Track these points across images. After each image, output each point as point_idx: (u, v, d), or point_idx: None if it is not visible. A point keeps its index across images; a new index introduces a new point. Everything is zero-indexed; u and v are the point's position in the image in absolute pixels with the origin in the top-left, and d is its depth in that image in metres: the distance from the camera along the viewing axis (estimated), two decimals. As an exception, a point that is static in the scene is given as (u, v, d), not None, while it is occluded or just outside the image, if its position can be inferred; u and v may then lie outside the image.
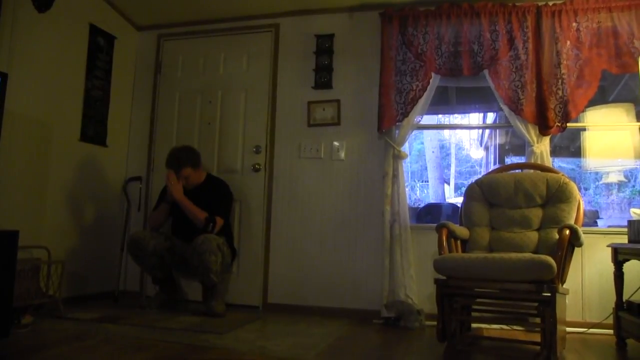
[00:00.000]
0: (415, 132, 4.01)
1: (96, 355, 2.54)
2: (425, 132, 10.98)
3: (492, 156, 7.96)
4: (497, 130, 7.21)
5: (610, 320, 3.06)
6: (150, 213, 4.01)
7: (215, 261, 3.51)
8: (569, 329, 3.16)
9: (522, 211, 3.19)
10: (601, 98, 4.34)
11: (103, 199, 4.22)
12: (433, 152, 12.82)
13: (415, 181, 13.27)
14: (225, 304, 3.73)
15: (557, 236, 2.74)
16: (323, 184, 4.03)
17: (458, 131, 13.76)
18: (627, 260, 2.90)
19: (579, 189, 3.24)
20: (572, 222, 2.97)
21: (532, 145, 3.57)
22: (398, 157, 3.80)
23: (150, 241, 3.60)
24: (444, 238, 2.90)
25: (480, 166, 11.25)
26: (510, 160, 7.08)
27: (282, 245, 4.06)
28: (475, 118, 9.03)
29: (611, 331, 3.03)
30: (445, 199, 11.69)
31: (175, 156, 3.75)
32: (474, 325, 3.34)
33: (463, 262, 2.67)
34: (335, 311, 3.82)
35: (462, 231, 3.16)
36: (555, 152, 5.22)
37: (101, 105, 4.16)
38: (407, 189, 3.88)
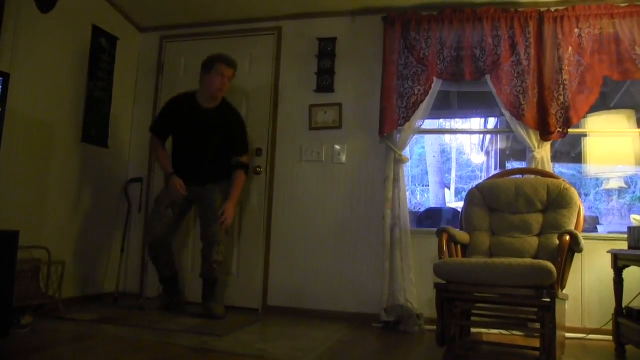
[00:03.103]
0: (416, 136, 4.01)
1: (95, 356, 2.54)
2: (427, 136, 10.99)
3: (493, 161, 7.97)
4: (498, 136, 7.22)
5: (610, 327, 3.05)
6: (156, 148, 3.85)
7: (221, 251, 3.63)
8: (568, 335, 3.16)
9: (522, 216, 3.19)
10: (602, 104, 4.34)
11: (104, 200, 4.22)
12: (434, 156, 12.83)
13: (416, 185, 13.27)
14: (225, 306, 3.73)
15: (557, 242, 2.74)
16: (324, 187, 4.03)
17: (459, 136, 13.77)
18: (627, 266, 2.90)
19: (580, 194, 3.24)
20: (572, 227, 2.98)
21: (533, 151, 3.57)
22: (399, 161, 3.80)
23: (172, 241, 3.74)
24: (445, 242, 2.90)
25: (481, 171, 11.26)
26: (511, 165, 7.07)
27: (283, 248, 4.06)
28: (476, 123, 9.04)
29: (610, 337, 3.02)
30: (445, 204, 11.68)
31: (232, 58, 3.75)
32: (473, 330, 3.33)
33: (463, 266, 2.67)
34: (335, 315, 3.82)
35: (462, 236, 3.15)
36: (556, 157, 5.22)
37: (103, 106, 4.16)
38: (407, 193, 3.88)
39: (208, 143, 3.71)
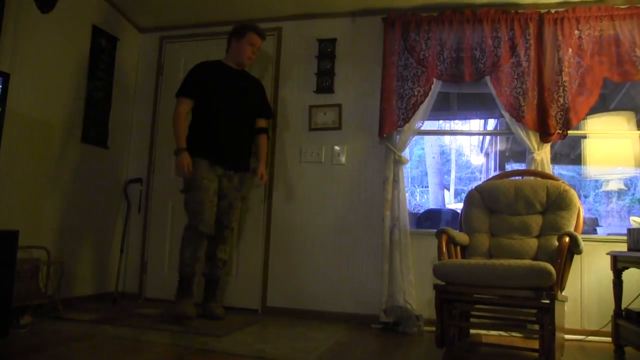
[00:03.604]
0: (416, 137, 4.01)
1: (94, 357, 2.54)
2: (426, 137, 10.98)
3: (493, 162, 7.97)
4: (498, 137, 7.22)
5: (609, 328, 3.05)
6: (179, 116, 3.57)
7: (226, 250, 3.70)
8: (567, 336, 3.16)
9: (522, 218, 3.20)
10: (602, 106, 4.34)
11: (103, 200, 4.22)
12: (433, 157, 12.82)
13: (415, 187, 13.26)
14: (224, 307, 3.73)
15: (556, 243, 2.74)
16: (323, 188, 4.03)
17: (459, 137, 13.78)
18: (627, 268, 2.90)
19: (579, 196, 3.24)
20: (571, 229, 2.98)
21: (532, 152, 3.57)
22: (399, 162, 3.80)
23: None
24: (444, 244, 2.90)
25: (481, 172, 11.26)
26: (510, 166, 7.07)
27: (282, 248, 4.06)
28: (476, 124, 9.03)
29: (609, 339, 3.03)
30: (445, 205, 11.68)
31: (261, 29, 3.77)
32: (472, 331, 3.33)
33: (462, 268, 2.67)
34: (334, 315, 3.82)
35: (461, 237, 3.15)
36: (555, 159, 5.21)
37: (103, 107, 4.16)
38: (407, 194, 3.88)
39: (238, 103, 3.66)
